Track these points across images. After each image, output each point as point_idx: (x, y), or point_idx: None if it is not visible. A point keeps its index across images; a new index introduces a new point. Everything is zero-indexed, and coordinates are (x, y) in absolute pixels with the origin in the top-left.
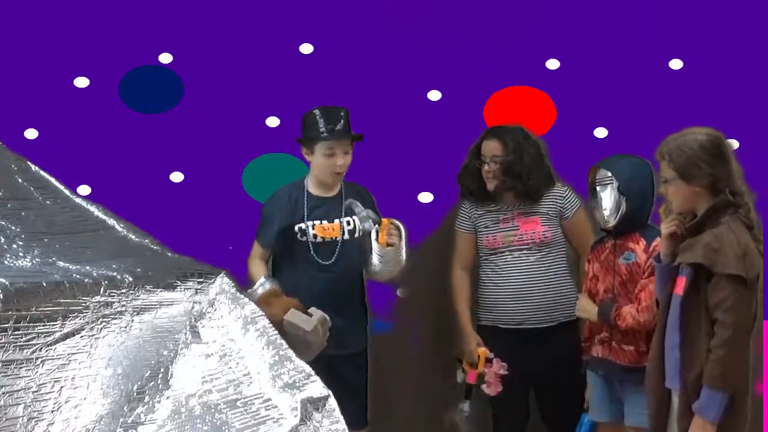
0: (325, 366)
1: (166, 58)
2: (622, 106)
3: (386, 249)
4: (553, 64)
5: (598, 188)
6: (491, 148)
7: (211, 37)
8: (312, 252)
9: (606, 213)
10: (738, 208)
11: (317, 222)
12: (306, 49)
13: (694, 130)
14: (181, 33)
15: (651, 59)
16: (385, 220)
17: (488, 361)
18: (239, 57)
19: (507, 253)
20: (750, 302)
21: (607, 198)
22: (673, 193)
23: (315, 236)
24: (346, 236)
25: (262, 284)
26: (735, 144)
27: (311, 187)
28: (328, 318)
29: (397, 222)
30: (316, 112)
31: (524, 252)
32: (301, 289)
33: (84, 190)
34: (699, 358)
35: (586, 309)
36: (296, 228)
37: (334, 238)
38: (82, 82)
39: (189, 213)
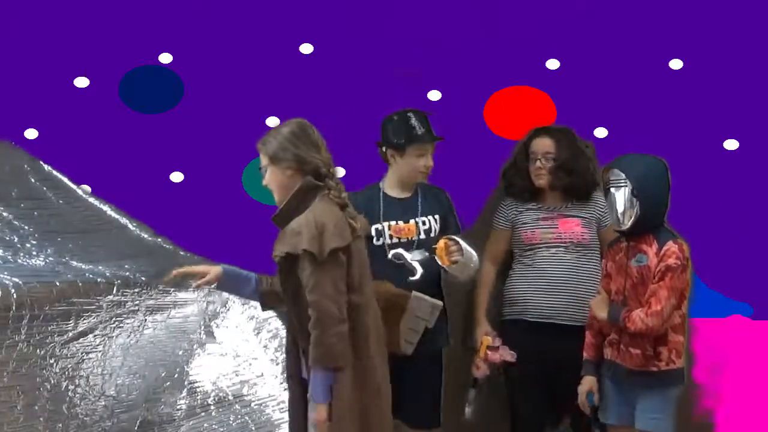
0: (401, 363)
1: (166, 58)
2: (622, 106)
3: (453, 266)
4: (553, 64)
5: (612, 189)
6: (544, 145)
7: (211, 37)
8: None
9: (619, 215)
10: (328, 190)
11: (393, 222)
12: (306, 49)
13: (285, 122)
14: (181, 33)
15: (651, 59)
16: (440, 244)
17: (493, 349)
18: (239, 57)
19: (543, 249)
20: (331, 280)
21: (621, 200)
22: (269, 178)
23: (390, 237)
24: (422, 236)
25: None
26: (735, 144)
27: (388, 189)
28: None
29: (455, 238)
30: (410, 115)
31: (561, 250)
32: None
33: (84, 190)
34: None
35: (596, 306)
36: (372, 230)
37: (409, 238)
38: (82, 82)
39: (189, 213)
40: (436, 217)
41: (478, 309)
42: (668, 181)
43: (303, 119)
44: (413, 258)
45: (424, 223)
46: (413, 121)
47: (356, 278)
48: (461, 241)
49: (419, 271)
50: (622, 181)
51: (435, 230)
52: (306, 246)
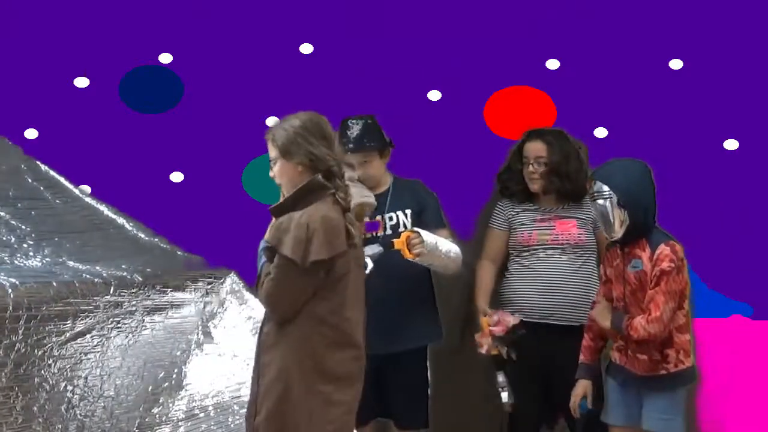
0: (383, 363)
1: (166, 58)
2: (622, 106)
3: (418, 259)
4: (553, 64)
5: (598, 201)
6: (535, 149)
7: (211, 37)
8: None
9: (609, 227)
10: (335, 190)
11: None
12: (306, 49)
13: (298, 114)
14: (181, 33)
15: (651, 59)
16: (401, 237)
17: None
18: (239, 57)
19: (540, 251)
20: (299, 287)
21: (609, 212)
22: (279, 172)
23: None
24: (389, 231)
25: None
26: (735, 144)
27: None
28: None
29: (417, 230)
30: (348, 123)
31: (557, 251)
32: None
33: (82, 190)
34: None
35: (599, 315)
36: None
37: (374, 234)
38: (82, 82)
39: (189, 213)
40: (407, 212)
41: (477, 298)
42: (652, 183)
43: (315, 112)
44: (365, 253)
45: (390, 218)
46: (347, 130)
47: (338, 301)
48: (423, 233)
49: (369, 265)
50: (606, 192)
51: (405, 225)
52: (288, 253)
